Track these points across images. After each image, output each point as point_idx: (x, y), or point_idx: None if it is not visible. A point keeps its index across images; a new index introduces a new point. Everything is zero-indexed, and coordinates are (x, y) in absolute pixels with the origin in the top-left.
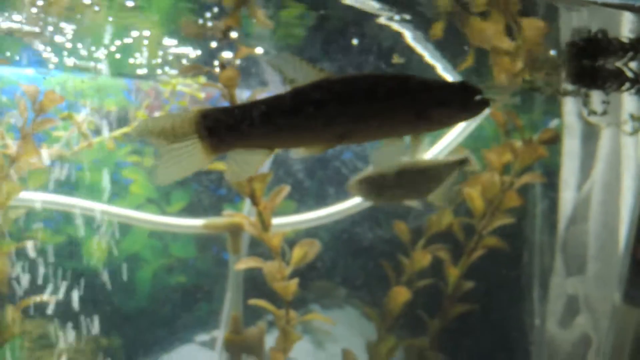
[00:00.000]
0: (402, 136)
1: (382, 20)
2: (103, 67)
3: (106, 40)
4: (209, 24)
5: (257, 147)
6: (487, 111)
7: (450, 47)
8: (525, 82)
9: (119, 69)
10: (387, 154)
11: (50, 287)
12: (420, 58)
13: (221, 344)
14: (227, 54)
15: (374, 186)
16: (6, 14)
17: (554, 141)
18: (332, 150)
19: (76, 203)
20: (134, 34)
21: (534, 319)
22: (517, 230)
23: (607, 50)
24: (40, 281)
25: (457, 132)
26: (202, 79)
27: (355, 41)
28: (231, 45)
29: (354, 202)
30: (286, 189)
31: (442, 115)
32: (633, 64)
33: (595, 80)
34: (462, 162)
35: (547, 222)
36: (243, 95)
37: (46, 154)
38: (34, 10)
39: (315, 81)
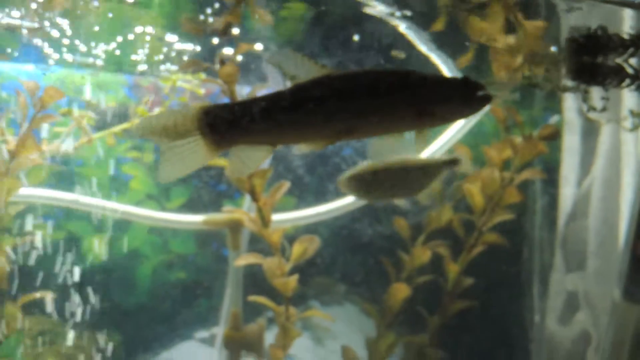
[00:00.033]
0: (404, 132)
1: (382, 15)
2: (103, 63)
3: (106, 36)
4: (210, 19)
5: (259, 143)
6: (487, 107)
7: (450, 43)
8: (525, 78)
9: (119, 65)
10: (384, 146)
11: (50, 284)
12: (419, 54)
13: (221, 341)
14: (228, 50)
15: (363, 183)
16: (6, 10)
17: (554, 137)
18: (332, 146)
19: (76, 199)
20: (134, 29)
21: (533, 316)
22: (517, 226)
23: (607, 46)
24: (39, 277)
25: (457, 128)
26: (202, 75)
27: (354, 37)
28: (232, 41)
29: (353, 199)
30: (286, 185)
31: (444, 110)
32: (633, 60)
33: (595, 77)
34: (452, 162)
35: (547, 218)
36: (243, 91)
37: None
38: (34, 5)
39: (317, 77)
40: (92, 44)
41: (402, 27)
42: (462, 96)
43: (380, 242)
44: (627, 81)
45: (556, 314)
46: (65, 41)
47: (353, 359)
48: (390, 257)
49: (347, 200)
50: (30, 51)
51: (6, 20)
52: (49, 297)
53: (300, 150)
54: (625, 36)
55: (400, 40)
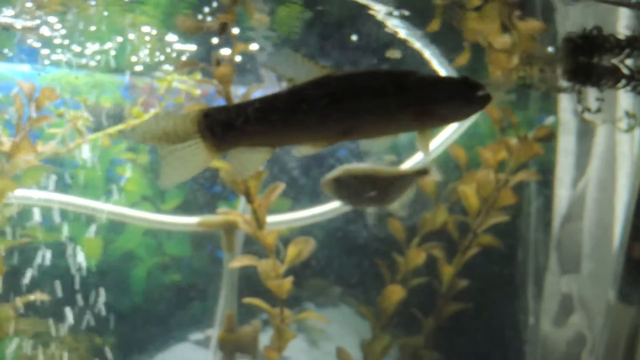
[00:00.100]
0: (405, 132)
1: (379, 15)
2: (98, 63)
3: (102, 36)
4: (209, 18)
5: (259, 145)
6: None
7: (445, 43)
8: (520, 79)
9: (115, 65)
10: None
11: (44, 285)
12: (415, 53)
13: (215, 343)
14: (225, 51)
15: (343, 186)
16: (3, 9)
17: (549, 138)
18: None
19: (71, 201)
20: (131, 29)
21: (528, 317)
22: (512, 228)
23: (603, 47)
24: (34, 279)
25: (453, 129)
26: (198, 76)
27: (351, 37)
28: (230, 41)
29: None
30: (281, 187)
31: (444, 111)
32: (629, 61)
33: (591, 77)
34: (422, 173)
35: (541, 220)
36: (238, 91)
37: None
38: (29, 5)
39: (317, 78)
40: (88, 44)
41: (399, 28)
42: (462, 96)
43: (375, 244)
44: (623, 82)
45: (551, 315)
46: (61, 41)
47: None
48: (385, 259)
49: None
50: (25, 52)
51: (1, 20)
52: (43, 299)
53: (300, 152)
54: (621, 37)
55: (396, 41)
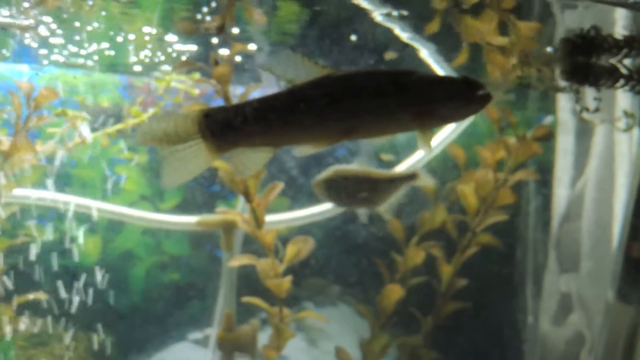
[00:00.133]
0: (406, 132)
1: (376, 16)
2: (96, 63)
3: (100, 36)
4: (208, 18)
5: (261, 145)
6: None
7: (443, 43)
8: (519, 78)
9: (113, 65)
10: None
11: (43, 285)
12: (413, 54)
13: (214, 342)
14: (225, 51)
15: (334, 188)
16: (0, 10)
17: (548, 138)
18: None
19: (69, 200)
20: (129, 29)
21: (527, 317)
22: (511, 227)
23: (601, 47)
24: (33, 279)
25: (451, 129)
26: (197, 76)
27: (349, 37)
28: (228, 41)
29: None
30: (280, 186)
31: (444, 110)
32: (627, 61)
33: (589, 77)
34: (411, 177)
35: (540, 219)
36: (237, 91)
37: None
38: (26, 4)
39: (317, 78)
40: (86, 44)
41: (397, 28)
42: (462, 96)
43: (374, 243)
44: (621, 82)
45: (550, 315)
46: (59, 41)
47: (347, 359)
48: (384, 258)
49: None
50: (23, 52)
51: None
52: (42, 298)
53: (301, 152)
54: (619, 37)
55: (394, 41)
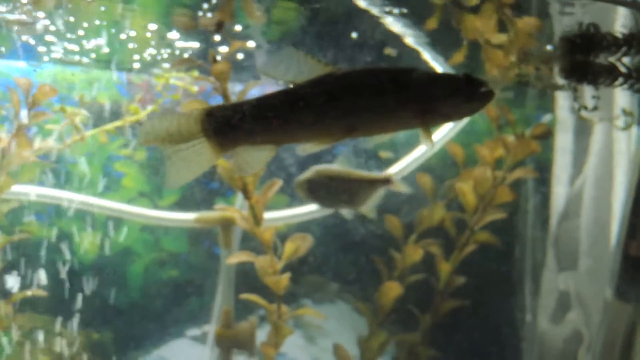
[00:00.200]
0: (408, 129)
1: (375, 13)
2: (95, 60)
3: (99, 33)
4: (209, 14)
5: (263, 143)
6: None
7: (442, 41)
8: (517, 76)
9: (112, 62)
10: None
11: (42, 281)
12: (412, 51)
13: (212, 339)
14: (226, 48)
15: (316, 188)
16: None
17: (547, 136)
18: None
19: (68, 197)
20: (129, 25)
21: (525, 315)
22: (509, 225)
23: (600, 45)
24: (31, 275)
25: (450, 126)
26: (196, 73)
27: (347, 34)
28: (228, 38)
29: None
30: (278, 183)
31: (448, 107)
32: (625, 59)
33: (588, 75)
34: (386, 181)
35: (539, 217)
36: (235, 88)
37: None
38: (24, 0)
39: (319, 76)
40: (84, 41)
41: (396, 25)
42: (464, 93)
43: (373, 240)
44: (620, 80)
45: (548, 313)
46: (57, 38)
47: (345, 357)
48: (382, 255)
49: None
50: (21, 48)
51: None
52: (40, 294)
53: (304, 150)
54: (619, 35)
55: (393, 38)
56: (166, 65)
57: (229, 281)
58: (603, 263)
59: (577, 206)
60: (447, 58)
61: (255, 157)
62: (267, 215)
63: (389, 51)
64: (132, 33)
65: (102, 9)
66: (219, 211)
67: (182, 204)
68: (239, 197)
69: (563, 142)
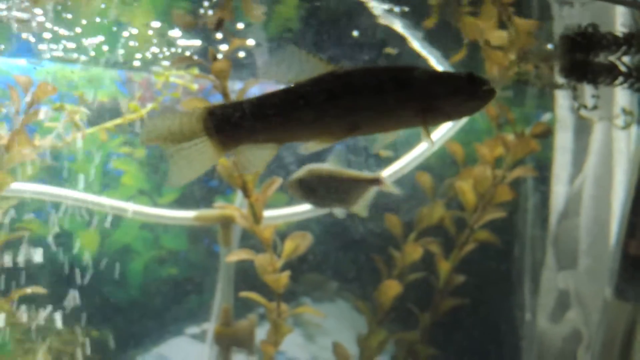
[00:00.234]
0: (410, 128)
1: (375, 11)
2: (95, 57)
3: (99, 30)
4: (210, 12)
5: (266, 142)
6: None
7: (442, 39)
8: (517, 75)
9: (111, 59)
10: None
11: (41, 279)
12: (412, 50)
13: (211, 337)
14: (226, 46)
15: (307, 187)
16: None
17: (546, 135)
18: None
19: (67, 194)
20: (129, 22)
21: (524, 313)
22: (509, 224)
23: (600, 44)
24: (31, 273)
25: (449, 125)
26: (195, 71)
27: (347, 33)
28: (230, 36)
29: None
30: (278, 181)
31: (449, 105)
32: (625, 58)
33: (588, 74)
34: (376, 181)
35: (538, 216)
36: (235, 86)
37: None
38: None
39: (322, 75)
40: (84, 38)
41: (396, 24)
42: (466, 91)
43: (372, 239)
44: (620, 79)
45: (547, 311)
46: (57, 35)
47: (344, 355)
48: (381, 254)
49: None
50: (21, 45)
51: None
52: (39, 292)
53: (307, 149)
54: (619, 34)
55: (393, 37)
56: (166, 63)
57: (228, 279)
58: (602, 262)
59: (576, 205)
60: (448, 57)
61: (257, 156)
62: (267, 213)
63: (389, 50)
64: (133, 31)
65: (102, 6)
66: (219, 209)
67: (181, 202)
68: (239, 195)
69: (563, 141)
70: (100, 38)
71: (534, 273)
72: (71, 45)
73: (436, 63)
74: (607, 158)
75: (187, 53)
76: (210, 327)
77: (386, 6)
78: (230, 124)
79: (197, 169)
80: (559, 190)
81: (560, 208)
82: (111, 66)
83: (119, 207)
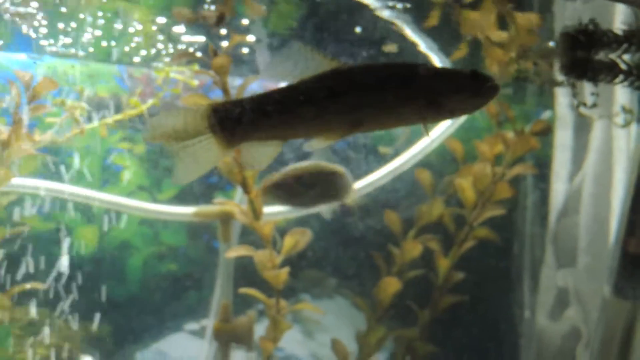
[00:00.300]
0: (414, 124)
1: (376, 8)
2: (95, 53)
3: (99, 26)
4: (212, 7)
5: (270, 139)
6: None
7: (442, 36)
8: (517, 72)
9: (112, 55)
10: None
11: (40, 274)
12: (412, 47)
13: (210, 333)
14: (225, 43)
15: (285, 190)
16: None
17: (546, 133)
18: None
19: (67, 190)
20: (131, 18)
21: (523, 311)
22: (508, 221)
23: (601, 41)
24: (30, 268)
25: (449, 122)
26: (196, 67)
27: (348, 29)
28: (233, 32)
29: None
30: None
31: (453, 102)
32: (625, 56)
33: (588, 72)
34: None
35: (538, 213)
36: (235, 82)
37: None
38: None
39: (326, 71)
40: (84, 33)
41: (396, 21)
42: (470, 88)
43: (371, 235)
44: (621, 77)
45: (546, 309)
46: (57, 30)
47: (343, 352)
48: (381, 251)
49: None
50: (21, 40)
51: None
52: (38, 288)
53: (311, 146)
54: (619, 31)
55: (393, 34)
56: (167, 59)
57: (227, 275)
58: (602, 260)
59: (576, 203)
60: (448, 54)
61: (261, 153)
62: (266, 209)
63: (390, 47)
64: (133, 27)
65: (104, 0)
66: (218, 205)
67: (181, 198)
68: (238, 191)
69: (562, 138)
70: (101, 33)
71: (533, 271)
72: (71, 40)
73: (436, 60)
74: (607, 156)
75: (191, 49)
76: (209, 323)
77: (390, 2)
78: (234, 121)
79: (203, 166)
80: (558, 188)
81: (560, 206)
82: (114, 62)
83: (118, 203)
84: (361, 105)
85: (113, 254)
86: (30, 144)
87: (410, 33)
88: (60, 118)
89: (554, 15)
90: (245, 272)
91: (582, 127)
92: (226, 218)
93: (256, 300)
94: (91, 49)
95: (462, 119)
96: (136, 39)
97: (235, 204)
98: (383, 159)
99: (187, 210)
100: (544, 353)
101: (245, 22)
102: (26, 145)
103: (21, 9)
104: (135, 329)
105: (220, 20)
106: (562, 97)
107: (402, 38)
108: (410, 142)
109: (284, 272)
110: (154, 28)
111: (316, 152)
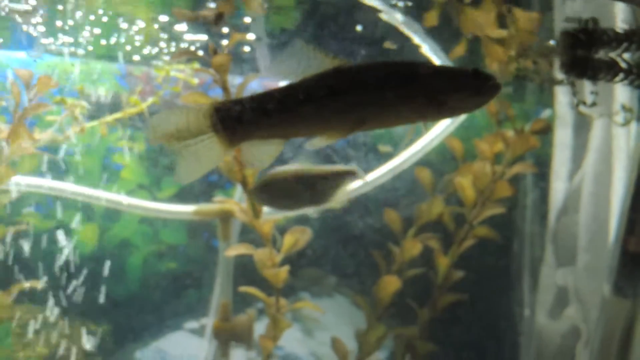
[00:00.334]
0: (416, 122)
1: (377, 6)
2: (95, 51)
3: (99, 24)
4: (212, 5)
5: (272, 137)
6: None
7: (442, 35)
8: (517, 70)
9: (111, 53)
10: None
11: (40, 273)
12: (412, 45)
13: (210, 331)
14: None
15: (273, 193)
16: None
17: (546, 131)
18: None
19: (67, 188)
20: (132, 16)
21: (523, 310)
22: (508, 220)
23: (601, 40)
24: (30, 266)
25: (449, 121)
26: (196, 65)
27: (348, 28)
28: (234, 31)
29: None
30: None
31: (455, 100)
32: (626, 55)
33: (588, 71)
34: (349, 174)
35: (537, 212)
36: (235, 81)
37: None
38: None
39: (328, 70)
40: (84, 32)
41: (396, 19)
42: (472, 86)
43: (371, 234)
44: (621, 76)
45: (546, 308)
46: (57, 29)
47: (343, 350)
48: (381, 249)
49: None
50: (21, 39)
51: None
52: (38, 286)
53: (312, 145)
54: (620, 30)
55: (393, 32)
56: (167, 58)
57: (227, 274)
58: (601, 259)
59: (575, 202)
60: (448, 51)
61: (263, 151)
62: (266, 208)
63: (389, 45)
64: (141, 24)
65: None
66: (218, 203)
67: (181, 196)
68: (238, 190)
69: (562, 137)
70: (101, 32)
71: (532, 269)
72: (72, 38)
73: (436, 58)
74: (607, 155)
75: (192, 48)
76: (209, 321)
77: (391, 0)
78: (236, 120)
79: (205, 165)
80: (558, 187)
81: (560, 204)
82: (111, 60)
83: (118, 201)
84: (362, 104)
85: (113, 252)
86: (30, 142)
87: (409, 31)
88: (60, 116)
89: (553, 13)
90: (245, 271)
91: (581, 125)
92: (226, 216)
93: (256, 299)
94: (91, 48)
95: (462, 117)
96: (135, 37)
97: (235, 202)
98: (383, 158)
99: (186, 209)
100: (543, 352)
101: (246, 20)
102: (26, 143)
103: (22, 7)
104: (135, 328)
105: (219, 19)
106: (562, 95)
107: (401, 36)
108: (409, 140)
109: (284, 270)
110: (156, 26)
111: (303, 153)
